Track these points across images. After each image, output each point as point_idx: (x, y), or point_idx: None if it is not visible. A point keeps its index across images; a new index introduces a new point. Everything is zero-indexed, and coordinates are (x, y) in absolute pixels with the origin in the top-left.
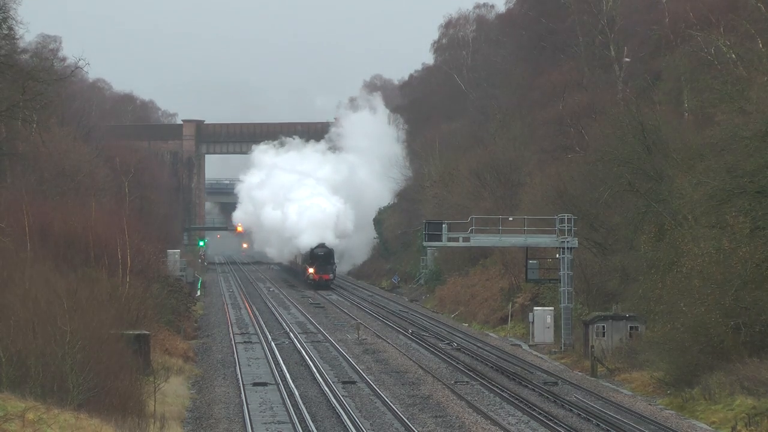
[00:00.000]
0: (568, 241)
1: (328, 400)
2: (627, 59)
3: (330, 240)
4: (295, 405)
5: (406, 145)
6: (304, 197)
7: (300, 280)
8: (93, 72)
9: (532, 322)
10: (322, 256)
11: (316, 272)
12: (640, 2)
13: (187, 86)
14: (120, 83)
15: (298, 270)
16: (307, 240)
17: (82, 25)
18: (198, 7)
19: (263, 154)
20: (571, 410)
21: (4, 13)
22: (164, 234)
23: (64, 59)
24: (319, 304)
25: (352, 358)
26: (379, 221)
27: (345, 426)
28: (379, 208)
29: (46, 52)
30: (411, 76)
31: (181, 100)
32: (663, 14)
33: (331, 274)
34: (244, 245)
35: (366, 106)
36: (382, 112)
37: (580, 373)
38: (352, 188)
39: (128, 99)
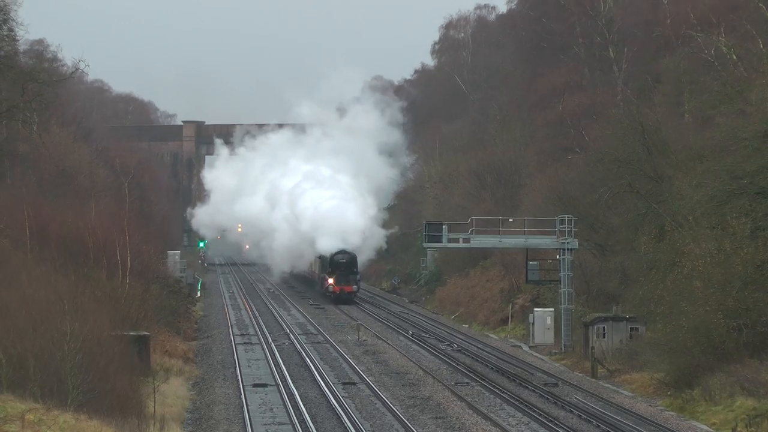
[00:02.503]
0: (568, 243)
1: (329, 401)
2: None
3: (354, 243)
4: (295, 406)
5: (407, 146)
6: (319, 189)
7: (311, 287)
8: (92, 73)
9: (533, 324)
10: (344, 263)
11: (336, 283)
12: (638, 3)
13: (186, 86)
14: (119, 84)
15: (312, 278)
16: (325, 243)
17: (80, 25)
18: (197, 6)
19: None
20: (571, 411)
21: (4, 14)
22: (164, 235)
23: (58, 60)
24: (319, 305)
25: (352, 359)
26: None
27: (345, 427)
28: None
29: (46, 53)
30: (411, 78)
31: (180, 101)
32: (663, 15)
33: (355, 286)
34: (246, 246)
35: (372, 101)
36: (385, 110)
37: (580, 375)
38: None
39: (128, 100)
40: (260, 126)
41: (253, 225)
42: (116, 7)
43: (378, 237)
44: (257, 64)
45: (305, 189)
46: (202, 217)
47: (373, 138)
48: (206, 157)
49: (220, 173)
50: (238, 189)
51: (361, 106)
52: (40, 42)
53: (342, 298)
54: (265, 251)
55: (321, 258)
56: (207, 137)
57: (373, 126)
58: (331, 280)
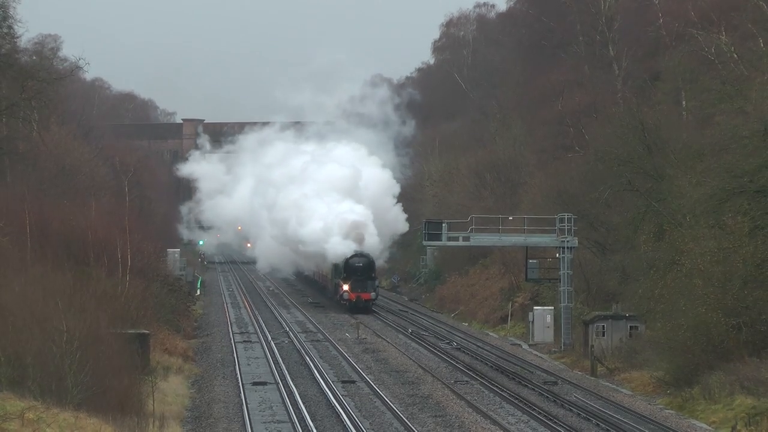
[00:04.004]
0: (567, 241)
1: (328, 400)
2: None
3: (372, 246)
4: (294, 404)
5: (407, 144)
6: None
7: (311, 286)
8: (91, 71)
9: (532, 322)
10: (360, 268)
11: (352, 290)
12: (638, 1)
13: (183, 85)
14: (118, 82)
15: (323, 282)
16: (339, 247)
17: (79, 24)
18: (195, 5)
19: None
20: (570, 410)
21: (3, 11)
22: (164, 233)
23: (65, 59)
24: (318, 303)
25: (351, 357)
26: None
27: (344, 425)
28: None
29: (46, 51)
30: (411, 75)
31: (180, 100)
32: (663, 13)
33: (373, 293)
34: (248, 244)
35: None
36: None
37: (579, 373)
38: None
39: (128, 98)
40: (262, 123)
41: (251, 223)
42: (115, 5)
43: (394, 234)
44: (258, 65)
45: (310, 183)
46: (192, 217)
47: (374, 132)
48: (206, 155)
49: (205, 170)
50: (230, 186)
51: (361, 100)
52: (54, 38)
53: (358, 307)
54: (263, 251)
55: (334, 262)
56: (207, 135)
57: (373, 120)
58: (346, 287)
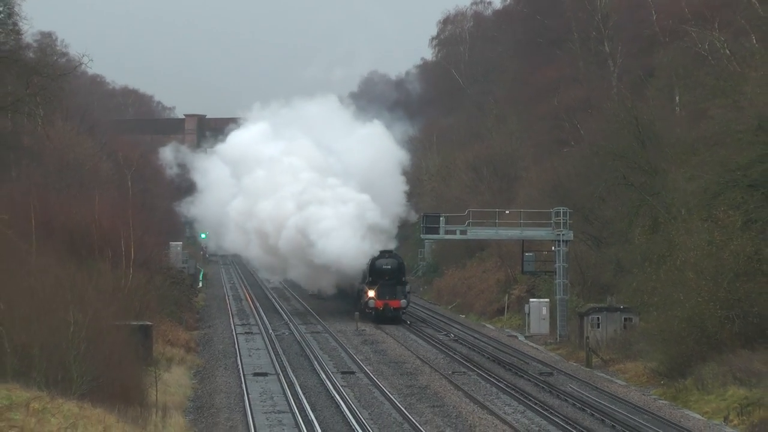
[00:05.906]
0: (563, 234)
1: (328, 390)
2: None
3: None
4: (295, 395)
5: (407, 140)
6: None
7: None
8: (92, 66)
9: (528, 314)
10: (388, 270)
11: (379, 297)
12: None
13: (184, 79)
14: (116, 77)
15: (349, 291)
16: (357, 244)
17: (76, 19)
18: (192, 4)
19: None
20: (566, 400)
21: (8, 9)
22: (167, 226)
23: (65, 54)
24: (318, 296)
25: (351, 348)
26: None
27: (344, 415)
28: None
29: (50, 48)
30: (410, 71)
31: (179, 94)
32: (657, 10)
33: (403, 300)
34: None
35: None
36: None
37: (575, 364)
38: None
39: (128, 92)
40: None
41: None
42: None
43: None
44: (257, 62)
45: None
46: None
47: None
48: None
49: (181, 161)
50: (219, 182)
51: (359, 96)
52: (49, 35)
53: (386, 317)
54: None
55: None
56: (208, 130)
57: (371, 116)
58: (371, 293)
